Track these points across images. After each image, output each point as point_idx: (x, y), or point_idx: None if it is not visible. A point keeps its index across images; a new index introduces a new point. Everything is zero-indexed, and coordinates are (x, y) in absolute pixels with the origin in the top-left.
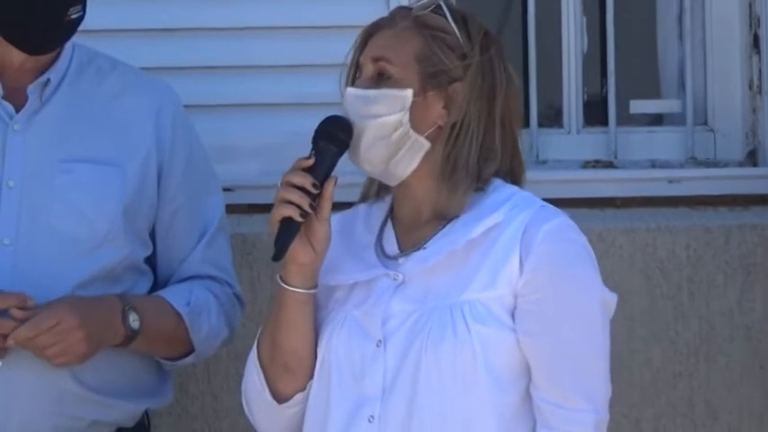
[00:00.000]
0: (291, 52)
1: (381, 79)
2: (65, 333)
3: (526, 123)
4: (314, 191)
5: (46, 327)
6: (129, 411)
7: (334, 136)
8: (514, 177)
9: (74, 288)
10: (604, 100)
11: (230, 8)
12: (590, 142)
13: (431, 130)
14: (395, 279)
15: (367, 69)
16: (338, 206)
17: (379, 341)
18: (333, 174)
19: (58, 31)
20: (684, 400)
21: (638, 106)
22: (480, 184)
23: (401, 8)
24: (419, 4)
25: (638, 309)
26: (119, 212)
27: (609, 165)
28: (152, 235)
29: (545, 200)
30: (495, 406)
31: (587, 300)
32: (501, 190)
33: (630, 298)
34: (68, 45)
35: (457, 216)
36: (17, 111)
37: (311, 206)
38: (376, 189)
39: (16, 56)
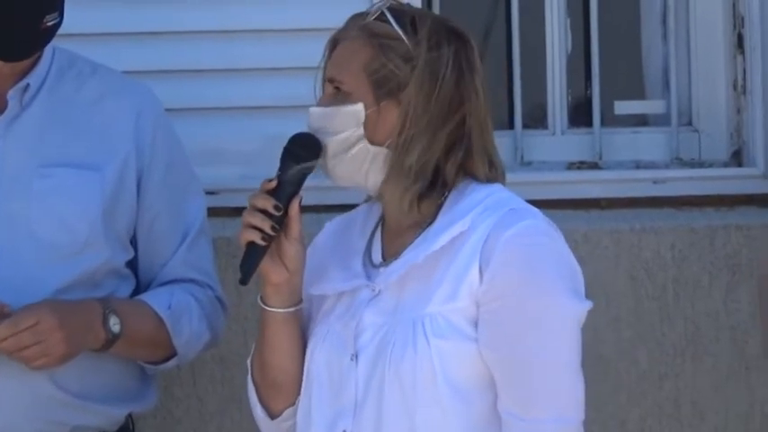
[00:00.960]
0: (275, 55)
1: (339, 95)
2: (44, 333)
3: (510, 125)
4: (276, 213)
5: (25, 326)
6: (111, 416)
7: (297, 155)
8: (490, 177)
9: (54, 293)
10: (589, 101)
11: (213, 11)
12: (575, 143)
13: (391, 140)
14: (372, 290)
15: (327, 88)
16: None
17: (353, 354)
18: (300, 193)
19: (34, 38)
20: (671, 401)
21: (623, 107)
22: (444, 188)
23: (355, 16)
24: (369, 10)
25: (623, 310)
26: (98, 217)
27: (594, 166)
28: (133, 239)
29: (529, 201)
30: (461, 419)
31: (547, 307)
32: (476, 192)
33: (616, 299)
34: (48, 49)
35: (431, 221)
36: None
37: (274, 228)
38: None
39: None
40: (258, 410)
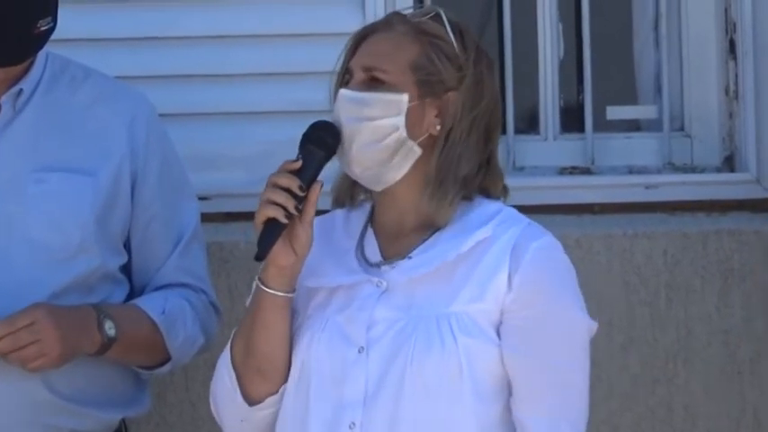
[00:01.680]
0: (269, 60)
1: (374, 83)
2: (41, 332)
3: (503, 130)
4: (300, 193)
5: (21, 325)
6: (105, 420)
7: (323, 140)
8: (491, 192)
9: (49, 297)
10: (581, 106)
11: (207, 16)
12: (567, 149)
13: (423, 138)
14: (378, 286)
15: (358, 75)
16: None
17: (362, 347)
18: (319, 179)
19: (28, 42)
20: (663, 406)
21: (615, 112)
22: (466, 195)
23: (397, 14)
24: (417, 11)
25: (615, 315)
26: (92, 221)
27: (586, 171)
28: (127, 243)
29: (522, 206)
30: (479, 417)
31: (571, 320)
32: (486, 205)
33: (608, 304)
34: (42, 54)
35: (443, 227)
36: None
37: (297, 208)
38: (351, 195)
39: None
40: (237, 396)
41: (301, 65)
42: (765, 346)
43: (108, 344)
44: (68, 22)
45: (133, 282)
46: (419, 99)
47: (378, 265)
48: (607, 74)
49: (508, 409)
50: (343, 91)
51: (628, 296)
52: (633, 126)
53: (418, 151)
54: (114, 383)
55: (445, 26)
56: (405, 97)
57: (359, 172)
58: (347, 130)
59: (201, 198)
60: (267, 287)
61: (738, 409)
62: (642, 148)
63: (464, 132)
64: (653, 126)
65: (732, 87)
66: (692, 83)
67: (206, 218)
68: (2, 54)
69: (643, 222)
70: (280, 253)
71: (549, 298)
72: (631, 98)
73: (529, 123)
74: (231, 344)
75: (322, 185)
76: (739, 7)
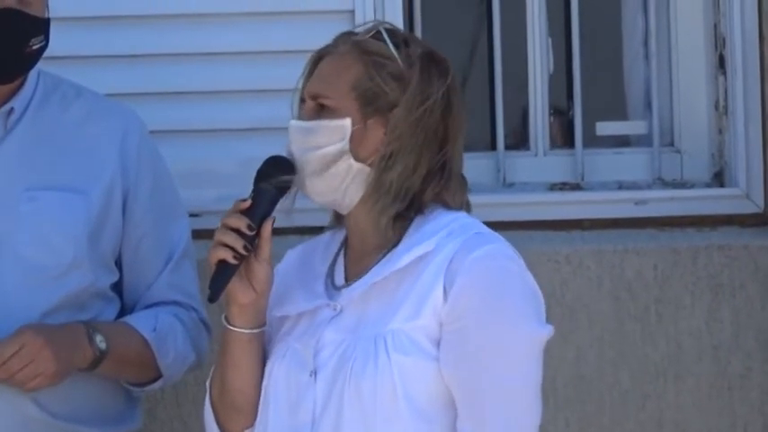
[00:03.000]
0: (258, 77)
1: (321, 111)
2: (32, 354)
3: (492, 146)
4: (249, 233)
5: (9, 353)
6: None
7: (272, 176)
8: (456, 203)
9: (40, 316)
10: (570, 122)
11: (194, 34)
12: (557, 164)
13: (373, 158)
14: (334, 309)
15: (308, 103)
16: (305, 231)
17: (312, 371)
18: (272, 215)
19: (20, 61)
20: (653, 421)
21: (605, 128)
22: (415, 211)
23: (344, 33)
24: (361, 28)
25: (606, 330)
26: (84, 239)
27: (576, 187)
28: (118, 261)
29: (512, 222)
30: None
31: (509, 329)
32: (441, 217)
33: (598, 319)
34: (33, 72)
35: (396, 244)
36: None
37: (246, 248)
38: (336, 216)
39: None
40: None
41: (291, 81)
42: (755, 362)
43: (100, 357)
44: (58, 39)
45: (124, 299)
46: (363, 121)
47: (340, 288)
48: (597, 89)
49: (454, 428)
50: (292, 122)
51: (618, 312)
52: (623, 141)
53: (369, 172)
54: (105, 401)
55: (386, 42)
56: (347, 122)
57: (319, 200)
58: (299, 160)
59: (192, 215)
60: (232, 325)
61: (729, 424)
62: (632, 163)
63: (407, 145)
64: (642, 141)
65: (722, 103)
66: (682, 98)
67: (196, 235)
68: None
69: (633, 238)
70: (239, 291)
71: (482, 308)
72: (621, 114)
73: (519, 139)
74: (209, 382)
75: (274, 221)
76: (728, 23)
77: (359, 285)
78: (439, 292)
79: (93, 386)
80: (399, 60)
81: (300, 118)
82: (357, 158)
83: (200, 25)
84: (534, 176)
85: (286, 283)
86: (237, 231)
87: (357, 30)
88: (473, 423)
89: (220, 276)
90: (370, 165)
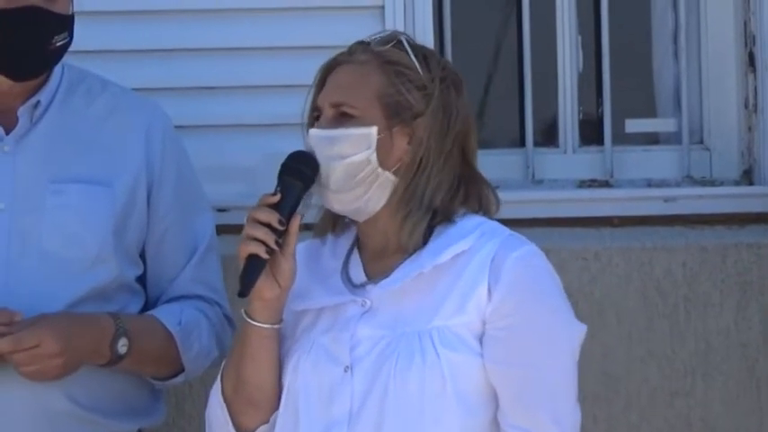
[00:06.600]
0: (284, 72)
1: (343, 119)
2: (42, 357)
3: (522, 143)
4: (280, 227)
5: (26, 345)
6: (122, 431)
7: (300, 171)
8: (484, 209)
9: (65, 308)
10: (600, 119)
11: (221, 29)
12: (586, 161)
13: (397, 166)
14: (362, 305)
15: (327, 111)
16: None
17: (347, 366)
18: (299, 210)
19: (43, 58)
20: (682, 419)
21: (634, 125)
22: (444, 218)
23: (360, 43)
24: (378, 38)
25: (634, 328)
26: (109, 232)
27: (605, 184)
28: (143, 254)
29: (541, 219)
30: (464, 431)
31: (554, 326)
32: (467, 220)
33: (627, 317)
34: (58, 65)
35: (421, 247)
36: (7, 133)
37: (277, 242)
38: (333, 226)
39: (4, 80)
40: (230, 428)
41: None
42: None
43: (116, 360)
44: (85, 34)
45: (147, 292)
46: (388, 129)
47: (362, 286)
48: (626, 87)
49: (496, 421)
50: (312, 131)
51: (647, 309)
52: (652, 139)
53: (394, 179)
54: (130, 394)
55: (408, 53)
56: (374, 130)
57: (339, 208)
58: (323, 167)
59: (220, 210)
60: (253, 320)
61: (757, 422)
62: (661, 161)
63: (432, 154)
64: (672, 139)
65: (751, 100)
66: (711, 96)
67: (223, 230)
68: (18, 69)
69: (662, 235)
70: (264, 286)
71: (527, 306)
72: (650, 111)
73: (548, 136)
74: (221, 376)
75: (302, 217)
76: (758, 20)
77: (389, 283)
78: (483, 289)
79: (118, 379)
80: (421, 71)
81: (321, 125)
82: (382, 167)
83: (227, 20)
84: (563, 173)
85: (299, 276)
86: (267, 226)
87: (369, 39)
88: (522, 417)
89: (251, 271)
90: (394, 173)
